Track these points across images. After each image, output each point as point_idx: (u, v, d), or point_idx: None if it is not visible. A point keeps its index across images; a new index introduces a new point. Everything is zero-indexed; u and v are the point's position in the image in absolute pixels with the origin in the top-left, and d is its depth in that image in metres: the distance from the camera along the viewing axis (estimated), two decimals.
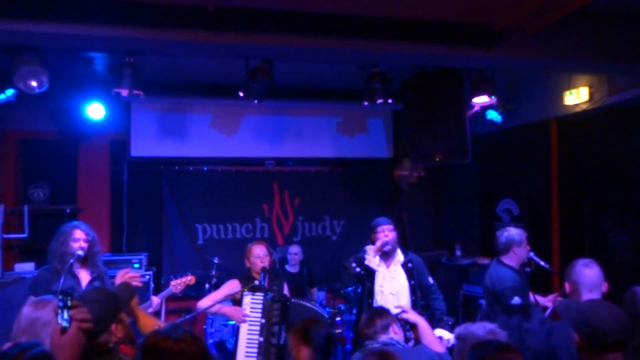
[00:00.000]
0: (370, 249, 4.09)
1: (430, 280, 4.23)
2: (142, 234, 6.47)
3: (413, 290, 4.04)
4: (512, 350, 1.83)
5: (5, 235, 5.31)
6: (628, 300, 2.49)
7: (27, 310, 2.44)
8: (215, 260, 5.76)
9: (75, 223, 3.86)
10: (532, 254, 4.39)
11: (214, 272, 5.69)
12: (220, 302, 3.98)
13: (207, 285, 5.73)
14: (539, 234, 5.72)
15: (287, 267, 6.19)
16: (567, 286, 3.01)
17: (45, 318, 2.42)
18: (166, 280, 6.35)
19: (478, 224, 6.85)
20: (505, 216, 6.31)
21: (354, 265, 4.11)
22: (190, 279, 4.14)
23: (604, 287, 3.08)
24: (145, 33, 3.45)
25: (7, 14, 3.20)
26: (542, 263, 4.33)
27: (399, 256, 4.12)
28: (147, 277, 5.66)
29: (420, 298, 4.14)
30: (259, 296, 3.89)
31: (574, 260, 3.12)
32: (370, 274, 4.07)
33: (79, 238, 3.73)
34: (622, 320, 2.00)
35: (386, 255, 4.06)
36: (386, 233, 4.05)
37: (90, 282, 3.73)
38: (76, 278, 3.71)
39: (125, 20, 3.38)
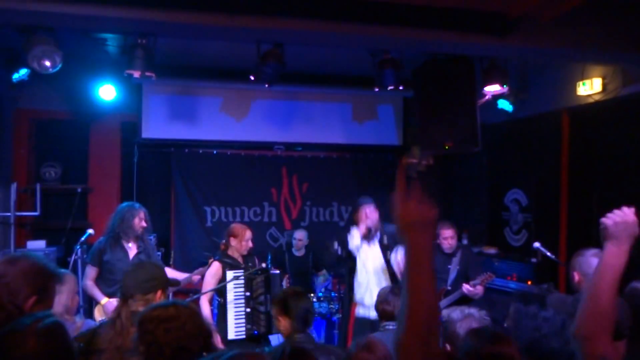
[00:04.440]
0: (355, 231, 4.25)
1: None
2: (152, 215, 6.41)
3: (389, 263, 4.21)
4: (505, 341, 1.76)
5: (18, 213, 5.41)
6: (628, 296, 2.48)
7: None
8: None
9: (138, 205, 4.54)
10: (538, 245, 4.38)
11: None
12: (215, 288, 4.18)
13: None
14: (546, 225, 5.70)
15: (293, 251, 6.24)
16: (575, 276, 2.99)
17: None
18: (175, 261, 6.43)
19: (486, 213, 6.83)
20: (514, 206, 6.29)
21: (336, 247, 4.37)
22: None
23: None
24: (157, 15, 3.46)
25: None
26: (548, 254, 4.34)
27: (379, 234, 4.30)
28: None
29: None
30: (240, 272, 4.17)
31: (582, 249, 3.10)
32: (351, 253, 4.24)
33: (142, 218, 4.42)
34: (625, 308, 2.03)
35: (370, 235, 4.27)
36: (367, 213, 4.21)
37: (137, 254, 4.40)
38: (125, 251, 4.37)
39: (137, 2, 3.39)
